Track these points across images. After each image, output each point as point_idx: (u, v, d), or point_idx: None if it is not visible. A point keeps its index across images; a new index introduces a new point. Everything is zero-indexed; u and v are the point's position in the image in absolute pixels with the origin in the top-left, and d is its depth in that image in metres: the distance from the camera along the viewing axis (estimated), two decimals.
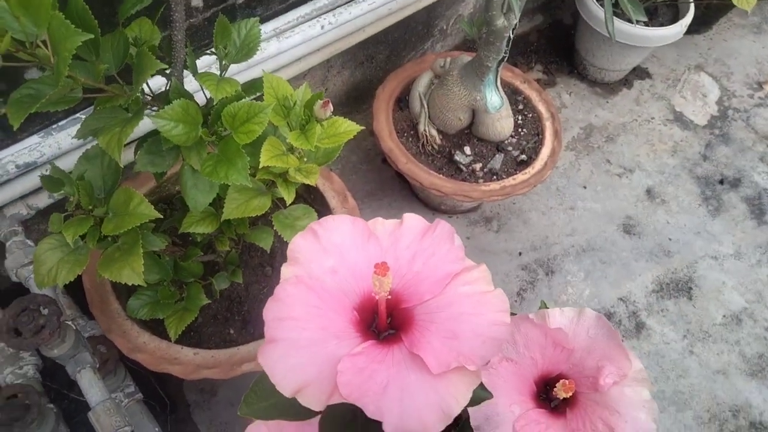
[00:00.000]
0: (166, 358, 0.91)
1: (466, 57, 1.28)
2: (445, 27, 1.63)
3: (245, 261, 1.09)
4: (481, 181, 1.26)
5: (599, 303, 1.38)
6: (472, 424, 0.49)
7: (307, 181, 0.75)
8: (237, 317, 1.03)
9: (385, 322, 0.42)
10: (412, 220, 0.45)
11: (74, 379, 0.87)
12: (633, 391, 0.50)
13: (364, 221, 0.44)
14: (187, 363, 0.91)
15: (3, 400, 0.87)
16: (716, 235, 1.51)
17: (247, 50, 0.78)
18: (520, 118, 1.36)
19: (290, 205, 0.79)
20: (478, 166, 1.29)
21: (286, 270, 0.41)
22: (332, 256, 0.42)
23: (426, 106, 1.31)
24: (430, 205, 1.46)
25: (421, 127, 1.31)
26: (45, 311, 0.79)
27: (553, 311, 0.52)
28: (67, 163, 0.95)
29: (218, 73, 0.75)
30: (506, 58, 1.16)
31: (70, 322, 0.91)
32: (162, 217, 0.70)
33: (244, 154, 0.68)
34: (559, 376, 0.53)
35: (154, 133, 0.74)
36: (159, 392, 1.10)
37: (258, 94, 0.76)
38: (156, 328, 0.95)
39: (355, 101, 1.60)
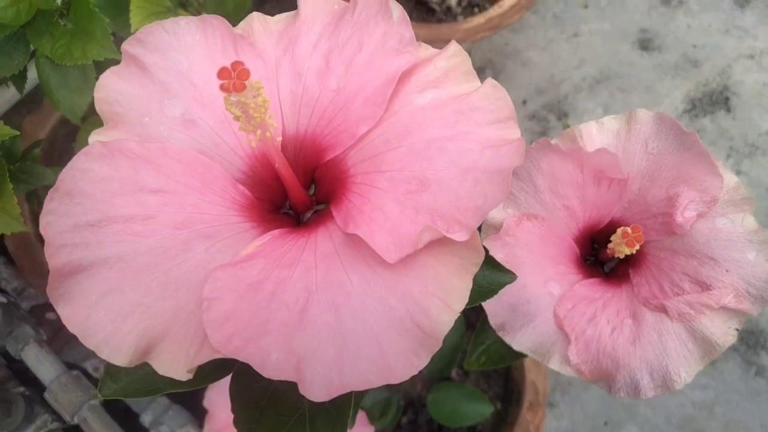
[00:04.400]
0: None
1: None
2: None
3: None
4: (460, 18, 1.03)
5: None
6: (492, 323, 0.32)
7: None
8: None
9: (301, 193, 0.24)
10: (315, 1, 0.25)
11: (19, 358, 0.72)
12: (729, 222, 0.32)
13: (224, 23, 0.24)
14: None
15: None
16: (749, 29, 1.27)
17: None
18: None
19: None
20: (453, 0, 1.05)
21: (97, 137, 0.22)
22: (180, 96, 0.23)
23: None
24: None
25: None
26: None
27: (587, 126, 0.33)
28: None
29: None
30: None
31: None
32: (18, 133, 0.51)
33: (101, 17, 0.47)
34: (611, 224, 0.35)
35: None
36: None
37: None
38: None
39: None
